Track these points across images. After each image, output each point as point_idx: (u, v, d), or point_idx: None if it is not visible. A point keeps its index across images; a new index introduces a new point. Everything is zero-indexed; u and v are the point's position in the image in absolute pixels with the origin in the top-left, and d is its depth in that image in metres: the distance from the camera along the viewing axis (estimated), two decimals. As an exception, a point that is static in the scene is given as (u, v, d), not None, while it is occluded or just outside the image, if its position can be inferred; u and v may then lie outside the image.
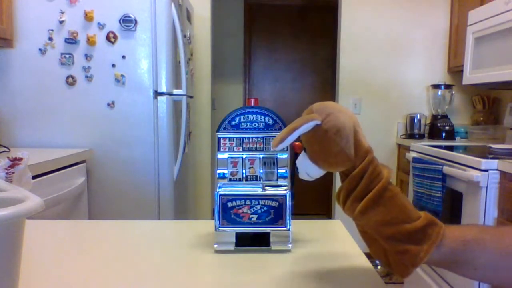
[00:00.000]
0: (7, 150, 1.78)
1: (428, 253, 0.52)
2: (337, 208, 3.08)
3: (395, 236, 0.53)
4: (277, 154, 0.74)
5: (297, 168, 0.59)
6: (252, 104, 0.74)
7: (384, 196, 0.54)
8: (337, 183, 3.05)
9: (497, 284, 0.57)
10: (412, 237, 0.53)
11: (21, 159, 0.71)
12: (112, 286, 0.62)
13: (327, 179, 3.65)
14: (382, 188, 0.54)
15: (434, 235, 0.53)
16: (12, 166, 0.70)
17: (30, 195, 0.51)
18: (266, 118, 0.73)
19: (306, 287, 0.62)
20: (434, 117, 2.87)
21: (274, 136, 0.74)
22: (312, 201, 4.02)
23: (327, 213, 3.76)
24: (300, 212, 3.42)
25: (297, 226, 0.83)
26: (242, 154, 0.73)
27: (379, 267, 2.86)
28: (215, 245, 0.72)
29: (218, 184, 0.71)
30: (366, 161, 0.55)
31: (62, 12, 1.92)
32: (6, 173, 0.69)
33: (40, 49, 1.93)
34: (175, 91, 2.08)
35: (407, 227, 0.53)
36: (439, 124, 2.78)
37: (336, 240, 0.84)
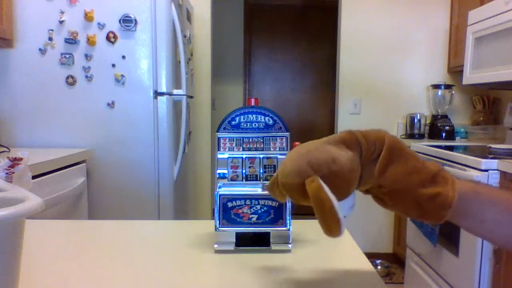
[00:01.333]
0: (7, 150, 1.78)
1: (455, 192, 0.52)
2: (337, 208, 3.08)
3: (423, 183, 0.53)
4: (277, 154, 0.74)
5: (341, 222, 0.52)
6: (252, 104, 0.74)
7: (395, 150, 0.53)
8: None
9: (498, 240, 0.58)
10: (435, 180, 0.53)
11: (21, 159, 0.71)
12: (112, 286, 0.62)
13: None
14: (391, 142, 0.53)
15: (450, 178, 0.54)
16: (12, 166, 0.70)
17: (30, 195, 0.51)
18: (266, 118, 0.73)
19: (306, 287, 0.62)
20: (434, 117, 2.87)
21: (274, 136, 0.74)
22: (312, 201, 4.02)
23: (327, 213, 3.75)
24: (300, 212, 3.44)
25: (297, 226, 0.83)
26: (242, 154, 0.73)
27: (379, 267, 2.86)
28: (215, 245, 0.72)
29: (218, 184, 0.71)
30: (358, 141, 0.53)
31: (62, 12, 1.92)
32: (6, 173, 0.69)
33: (40, 49, 1.93)
34: (175, 91, 2.08)
35: (428, 171, 0.53)
36: (439, 124, 2.78)
37: (336, 240, 0.84)
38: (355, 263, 0.70)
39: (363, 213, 3.01)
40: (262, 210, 0.70)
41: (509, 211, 0.54)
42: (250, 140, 0.74)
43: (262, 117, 0.73)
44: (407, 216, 0.57)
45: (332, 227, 0.49)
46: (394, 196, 0.55)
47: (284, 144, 0.74)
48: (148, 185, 2.02)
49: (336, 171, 0.50)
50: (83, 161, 1.91)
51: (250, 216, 0.70)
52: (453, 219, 0.56)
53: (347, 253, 0.75)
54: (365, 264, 0.69)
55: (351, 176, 0.52)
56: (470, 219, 0.55)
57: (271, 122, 0.73)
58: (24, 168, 0.71)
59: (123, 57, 1.96)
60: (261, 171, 0.73)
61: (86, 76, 1.95)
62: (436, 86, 2.87)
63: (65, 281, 0.63)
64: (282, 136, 0.74)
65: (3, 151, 1.76)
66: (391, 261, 2.95)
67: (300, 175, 0.51)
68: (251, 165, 0.73)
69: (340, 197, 0.52)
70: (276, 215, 0.70)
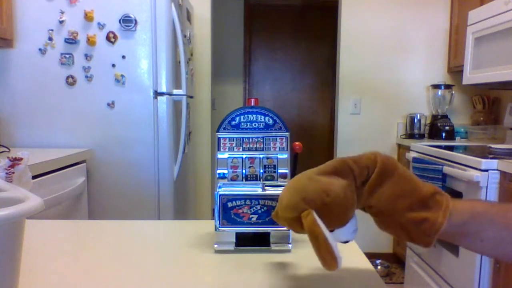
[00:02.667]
0: (7, 150, 1.78)
1: (445, 219, 0.52)
2: (337, 208, 3.08)
3: (410, 207, 0.53)
4: (277, 154, 0.74)
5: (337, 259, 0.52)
6: (252, 104, 0.74)
7: (386, 172, 0.53)
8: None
9: (500, 257, 0.59)
10: (425, 204, 0.53)
11: (21, 159, 0.71)
12: (112, 286, 0.62)
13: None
14: (382, 165, 0.53)
15: (445, 202, 0.53)
16: (12, 166, 0.70)
17: (30, 195, 0.51)
18: (266, 118, 0.73)
19: (306, 287, 0.62)
20: (434, 117, 2.87)
21: (274, 136, 0.74)
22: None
23: (327, 213, 3.75)
24: (300, 212, 3.42)
25: (297, 226, 0.83)
26: (242, 154, 0.73)
27: (379, 267, 2.86)
28: (215, 245, 0.72)
29: (218, 184, 0.71)
30: (350, 167, 0.54)
31: (62, 12, 1.92)
32: (6, 173, 0.69)
33: (40, 49, 1.93)
34: (175, 91, 2.08)
35: (418, 195, 0.53)
36: (439, 124, 2.78)
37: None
38: (355, 263, 0.70)
39: (363, 213, 3.00)
40: (262, 210, 0.70)
41: (508, 228, 0.54)
42: (250, 140, 0.73)
43: (262, 117, 0.73)
44: (398, 238, 0.57)
45: (326, 259, 0.50)
46: (382, 219, 0.56)
47: (284, 144, 0.74)
48: (148, 185, 2.02)
49: (330, 202, 0.51)
50: (83, 161, 1.91)
51: (250, 216, 0.70)
52: (451, 240, 0.56)
53: (347, 253, 0.75)
54: (365, 264, 0.69)
55: (347, 204, 0.53)
56: (470, 239, 0.55)
57: (271, 122, 0.73)
58: (24, 168, 0.71)
59: (123, 57, 1.96)
60: (261, 171, 0.73)
61: (86, 76, 1.95)
62: (436, 86, 2.87)
63: (65, 281, 0.63)
64: (282, 136, 0.74)
65: (3, 151, 1.76)
66: (391, 261, 2.95)
67: (296, 210, 0.52)
68: (251, 165, 0.73)
69: (339, 224, 0.54)
70: (276, 215, 0.70)
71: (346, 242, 0.57)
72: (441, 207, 0.53)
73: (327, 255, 0.50)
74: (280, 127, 0.74)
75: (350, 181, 0.53)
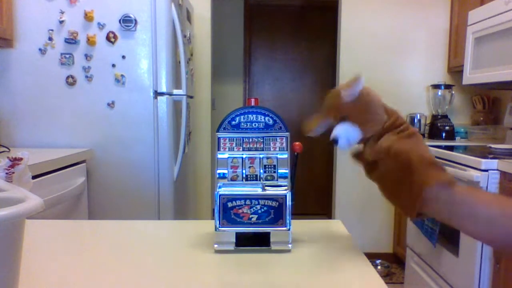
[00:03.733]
0: (7, 150, 1.78)
1: (453, 179, 0.58)
2: (337, 208, 3.08)
3: (430, 160, 0.59)
4: (277, 154, 0.74)
5: (335, 141, 0.64)
6: (252, 104, 0.74)
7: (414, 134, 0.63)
8: (337, 183, 3.05)
9: (490, 239, 0.62)
10: (437, 164, 0.60)
11: (21, 159, 0.71)
12: (112, 286, 0.62)
13: (327, 179, 3.65)
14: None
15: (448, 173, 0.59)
16: (12, 166, 0.70)
17: (30, 195, 0.51)
18: (266, 118, 0.73)
19: (306, 287, 0.62)
20: (434, 117, 2.87)
21: (274, 136, 0.74)
22: (312, 201, 4.02)
23: (327, 213, 3.76)
24: (300, 212, 3.42)
25: (297, 226, 0.83)
26: (242, 154, 0.73)
27: (379, 267, 2.86)
28: (215, 245, 0.72)
29: (218, 184, 0.71)
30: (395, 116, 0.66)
31: (62, 12, 1.92)
32: (6, 173, 0.69)
33: (40, 49, 1.93)
34: (175, 91, 2.08)
35: (431, 157, 0.60)
36: (439, 124, 2.78)
37: (336, 240, 0.84)
38: (355, 263, 0.70)
39: (363, 213, 3.01)
40: (262, 210, 0.70)
41: (502, 213, 0.56)
42: (250, 140, 0.73)
43: (262, 117, 0.73)
44: (392, 195, 0.63)
45: (311, 122, 0.65)
46: (394, 174, 0.61)
47: (284, 144, 0.74)
48: (148, 185, 2.02)
49: (375, 98, 0.67)
50: (83, 161, 1.91)
51: (250, 216, 0.70)
52: (446, 220, 0.59)
53: (347, 253, 0.75)
54: (365, 264, 0.69)
55: (374, 111, 0.65)
56: (465, 219, 0.58)
57: (271, 122, 0.73)
58: (24, 168, 0.71)
59: (123, 57, 1.96)
60: (261, 171, 0.73)
61: (86, 76, 1.95)
62: (436, 86, 2.87)
63: (65, 281, 0.63)
64: (282, 136, 0.74)
65: (3, 151, 1.76)
66: (391, 261, 2.95)
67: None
68: (251, 165, 0.73)
69: (356, 119, 0.64)
70: (276, 215, 0.70)
71: (335, 141, 0.64)
72: (447, 172, 0.59)
73: (313, 122, 0.64)
74: (280, 127, 0.74)
75: (381, 117, 0.65)
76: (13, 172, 0.70)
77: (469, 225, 0.59)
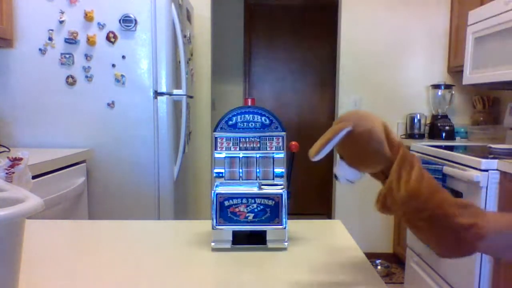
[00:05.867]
0: (7, 150, 1.79)
1: (490, 223, 0.52)
2: (337, 208, 3.09)
3: (459, 213, 0.54)
4: (273, 153, 0.74)
5: (336, 176, 0.62)
6: (249, 104, 0.74)
7: (425, 177, 0.56)
8: (337, 183, 3.05)
9: None
10: (467, 211, 0.54)
11: (21, 159, 0.71)
12: (111, 285, 0.63)
13: (327, 179, 3.65)
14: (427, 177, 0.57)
15: (481, 212, 0.54)
16: (12, 166, 0.70)
17: (30, 195, 0.51)
18: (263, 118, 0.74)
19: (302, 285, 0.62)
20: (434, 117, 2.87)
21: (270, 136, 0.74)
22: (312, 201, 4.03)
23: (327, 213, 3.76)
24: (300, 212, 3.42)
25: (296, 226, 0.83)
26: (239, 153, 0.74)
27: (379, 267, 2.86)
28: (212, 243, 0.72)
29: (215, 183, 0.72)
30: (400, 153, 0.58)
31: (62, 12, 1.93)
32: (6, 173, 0.69)
33: (40, 49, 1.94)
34: (175, 91, 2.08)
35: (460, 202, 0.54)
36: (439, 124, 2.78)
37: (335, 239, 0.85)
38: (354, 263, 0.70)
39: (363, 213, 3.01)
40: (259, 208, 0.70)
41: None
42: (247, 139, 0.74)
43: (259, 117, 0.74)
44: (438, 245, 0.57)
45: (317, 149, 0.59)
46: (429, 226, 0.56)
47: (281, 144, 0.74)
48: (148, 185, 2.03)
49: (366, 139, 0.57)
50: (83, 161, 1.92)
51: (247, 214, 0.70)
52: (495, 254, 0.56)
53: (346, 253, 0.75)
54: (365, 264, 0.69)
55: (371, 153, 0.58)
56: (501, 249, 0.55)
57: (267, 122, 0.74)
58: (24, 168, 0.71)
59: (123, 57, 1.96)
60: (258, 170, 0.73)
61: (86, 76, 1.96)
62: (436, 86, 2.87)
63: (65, 280, 0.64)
64: (278, 136, 0.74)
65: (3, 151, 1.77)
66: (391, 261, 2.95)
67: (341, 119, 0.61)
68: (247, 164, 0.73)
69: (350, 161, 0.60)
70: (273, 214, 0.71)
71: (348, 181, 0.62)
72: (479, 215, 0.53)
73: (317, 149, 0.58)
74: (277, 126, 0.74)
75: (383, 155, 0.58)
76: (13, 172, 0.70)
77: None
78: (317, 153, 0.58)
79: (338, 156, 0.61)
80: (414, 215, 0.57)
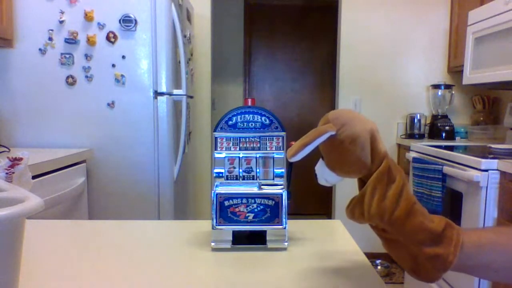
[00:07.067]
0: (7, 150, 1.79)
1: (456, 256, 0.51)
2: (337, 208, 3.09)
3: (425, 241, 0.52)
4: (273, 153, 0.74)
5: (315, 174, 0.60)
6: (249, 104, 0.74)
7: (403, 196, 0.54)
8: (337, 184, 3.05)
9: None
10: (437, 240, 0.52)
11: (21, 159, 0.71)
12: (111, 285, 0.63)
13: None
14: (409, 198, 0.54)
15: (455, 238, 0.52)
16: (12, 166, 0.70)
17: (30, 195, 0.51)
18: (263, 118, 0.74)
19: (302, 285, 0.62)
20: (434, 117, 2.87)
21: (270, 136, 0.74)
22: (312, 201, 4.03)
23: (327, 213, 3.76)
24: (300, 212, 3.42)
25: (296, 226, 0.83)
26: (239, 153, 0.74)
27: (379, 267, 2.86)
28: (212, 243, 0.72)
29: (215, 183, 0.72)
30: (382, 166, 0.55)
31: (62, 12, 1.93)
32: (6, 173, 0.69)
33: (40, 49, 1.94)
34: (175, 91, 2.08)
35: (433, 228, 0.52)
36: (439, 124, 2.78)
37: (335, 239, 0.85)
38: (354, 263, 0.70)
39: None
40: (259, 208, 0.70)
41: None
42: (247, 139, 0.74)
43: (259, 117, 0.74)
44: (402, 265, 0.56)
45: (294, 151, 0.56)
46: (393, 245, 0.56)
47: (281, 144, 0.74)
48: (148, 185, 2.03)
49: (348, 147, 0.55)
50: (83, 161, 1.92)
51: (247, 214, 0.70)
52: (465, 273, 0.55)
53: (346, 253, 0.75)
54: (365, 264, 0.69)
55: (351, 161, 0.55)
56: (482, 271, 0.55)
57: (267, 122, 0.74)
58: (24, 168, 0.72)
59: (123, 57, 1.96)
60: (258, 170, 0.73)
61: (86, 76, 1.96)
62: (436, 86, 2.87)
63: (65, 280, 0.64)
64: (278, 136, 0.75)
65: (3, 151, 1.77)
66: (391, 261, 2.95)
67: (325, 119, 0.58)
68: (247, 164, 0.73)
69: (329, 164, 0.57)
70: (273, 214, 0.71)
71: (326, 181, 0.60)
72: (451, 243, 0.52)
73: (294, 151, 0.55)
74: (277, 126, 0.74)
75: (363, 164, 0.55)
76: (13, 172, 0.70)
77: (489, 278, 0.56)
78: (294, 155, 0.56)
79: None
80: (380, 232, 0.57)
